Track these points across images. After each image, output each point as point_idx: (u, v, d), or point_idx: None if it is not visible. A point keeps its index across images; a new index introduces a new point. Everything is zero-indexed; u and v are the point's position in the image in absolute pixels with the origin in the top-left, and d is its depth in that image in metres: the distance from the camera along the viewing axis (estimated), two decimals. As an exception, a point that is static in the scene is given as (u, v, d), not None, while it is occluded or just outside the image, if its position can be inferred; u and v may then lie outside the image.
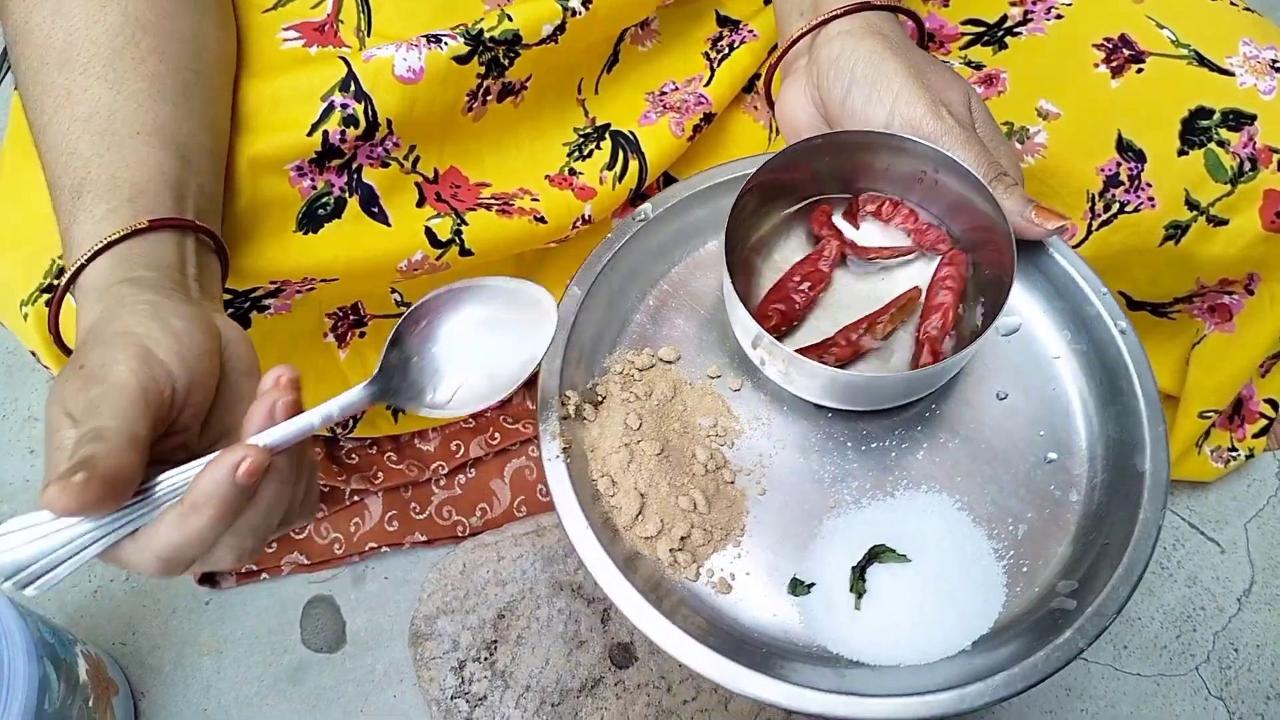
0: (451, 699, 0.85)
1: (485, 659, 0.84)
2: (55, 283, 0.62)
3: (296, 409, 0.46)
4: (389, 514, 0.95)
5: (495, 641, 0.85)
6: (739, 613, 0.52)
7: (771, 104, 0.70)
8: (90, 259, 0.51)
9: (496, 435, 0.97)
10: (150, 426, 0.44)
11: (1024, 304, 0.58)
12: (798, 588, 0.53)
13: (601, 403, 0.55)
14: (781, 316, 0.57)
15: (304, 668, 0.93)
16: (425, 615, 0.86)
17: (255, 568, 0.95)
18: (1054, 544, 0.53)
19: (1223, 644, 0.96)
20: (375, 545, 0.95)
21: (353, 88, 0.65)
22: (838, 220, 0.60)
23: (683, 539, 0.52)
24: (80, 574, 0.97)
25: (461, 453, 0.96)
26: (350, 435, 0.90)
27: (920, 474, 0.55)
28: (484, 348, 0.49)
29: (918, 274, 0.60)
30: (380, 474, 0.94)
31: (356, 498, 0.95)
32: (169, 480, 0.44)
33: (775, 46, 0.77)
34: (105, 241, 0.51)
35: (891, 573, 0.52)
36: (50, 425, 0.45)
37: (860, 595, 0.52)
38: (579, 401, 0.55)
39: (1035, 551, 0.53)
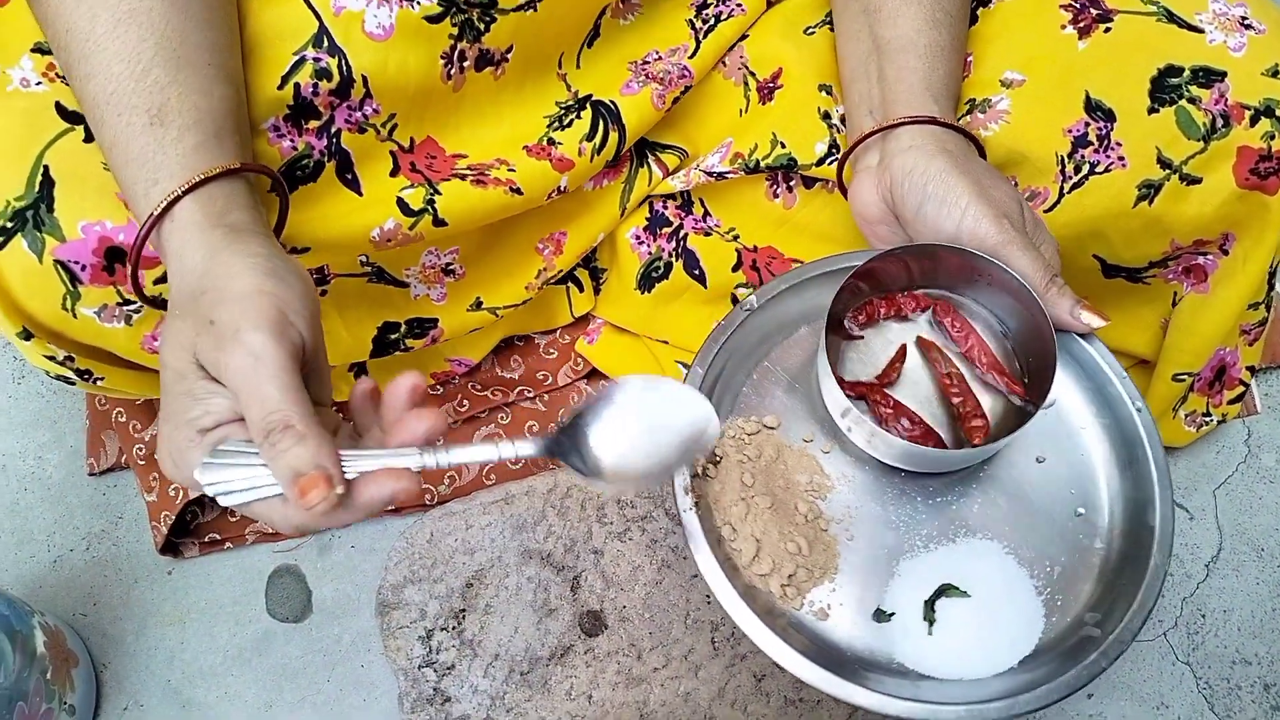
0: (419, 668, 0.84)
1: (453, 628, 0.83)
2: (7, 225, 0.60)
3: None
4: (355, 482, 0.94)
5: (464, 610, 0.84)
6: (835, 635, 0.64)
7: (844, 189, 0.76)
8: (186, 191, 0.52)
9: (465, 402, 0.96)
10: (305, 391, 0.47)
11: (1059, 383, 0.66)
12: (881, 616, 0.65)
13: (719, 462, 0.66)
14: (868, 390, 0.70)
15: (269, 638, 0.92)
16: (392, 584, 0.85)
17: (219, 536, 0.93)
18: (1082, 583, 0.65)
19: (1190, 610, 0.96)
20: (341, 514, 0.93)
21: (325, 42, 0.63)
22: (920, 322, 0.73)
23: (790, 576, 0.64)
24: (39, 544, 0.95)
25: (429, 420, 0.94)
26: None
27: (976, 524, 0.67)
28: (650, 437, 0.55)
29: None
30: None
31: (322, 466, 0.93)
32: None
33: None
34: (203, 175, 0.53)
35: (955, 605, 0.64)
36: (177, 371, 0.49)
37: (931, 623, 0.64)
38: (704, 462, 0.66)
39: (1068, 589, 0.65)
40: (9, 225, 0.60)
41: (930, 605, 0.65)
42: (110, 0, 0.54)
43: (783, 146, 0.80)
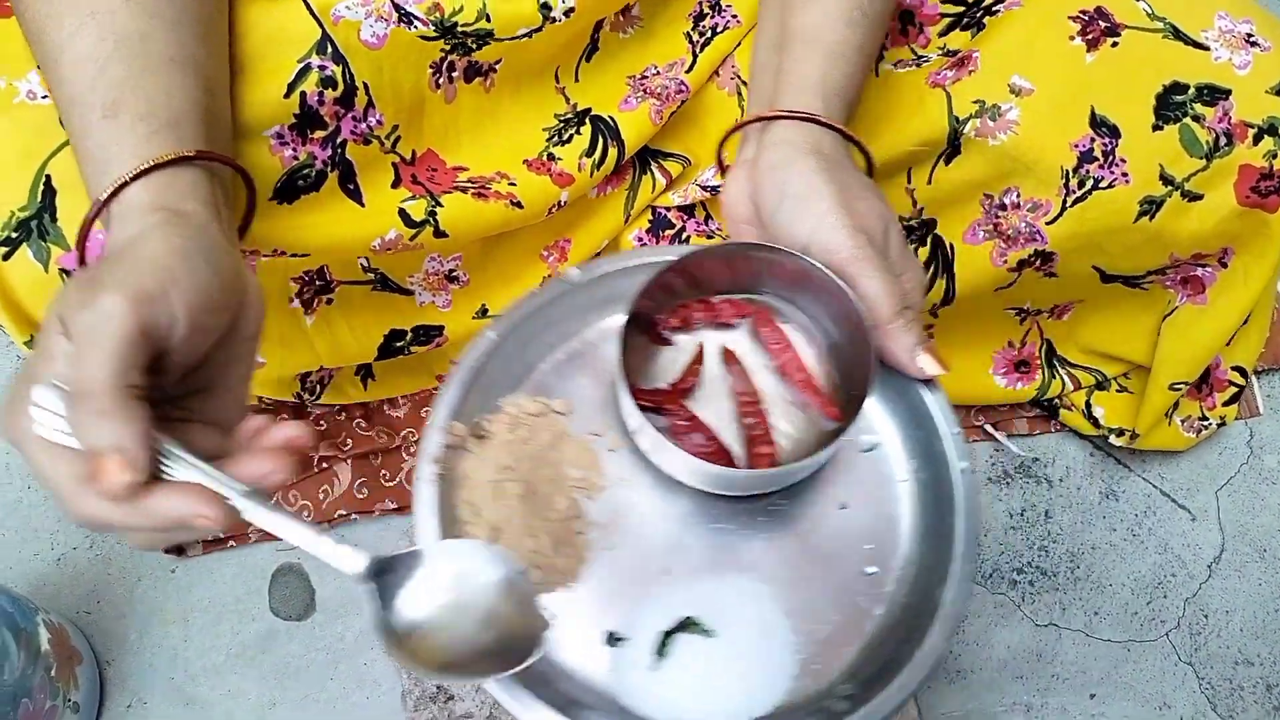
0: (422, 666, 0.84)
1: (456, 626, 0.84)
2: (12, 235, 0.61)
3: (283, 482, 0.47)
4: (358, 481, 0.94)
5: (466, 609, 0.84)
6: (553, 652, 0.55)
7: (723, 169, 0.71)
8: (135, 177, 0.50)
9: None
10: (142, 372, 0.43)
11: (885, 425, 0.61)
12: (612, 639, 0.56)
13: (484, 438, 0.58)
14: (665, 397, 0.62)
15: (272, 636, 0.92)
16: (395, 582, 0.85)
17: (222, 535, 0.94)
18: (847, 649, 0.57)
19: (1193, 610, 0.97)
20: (345, 513, 0.93)
21: (329, 49, 0.63)
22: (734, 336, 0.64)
23: None
24: (43, 541, 0.95)
25: (432, 419, 0.95)
26: (318, 402, 0.89)
27: (751, 561, 0.59)
28: (473, 614, 0.49)
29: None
30: (349, 440, 0.93)
31: (325, 465, 0.94)
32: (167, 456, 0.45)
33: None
34: (153, 162, 0.50)
35: (696, 643, 0.56)
36: (44, 328, 0.45)
37: (660, 656, 0.56)
38: (465, 434, 0.58)
39: (829, 653, 0.57)
40: (14, 235, 0.61)
41: (666, 636, 0.56)
42: (75, 5, 0.53)
43: None
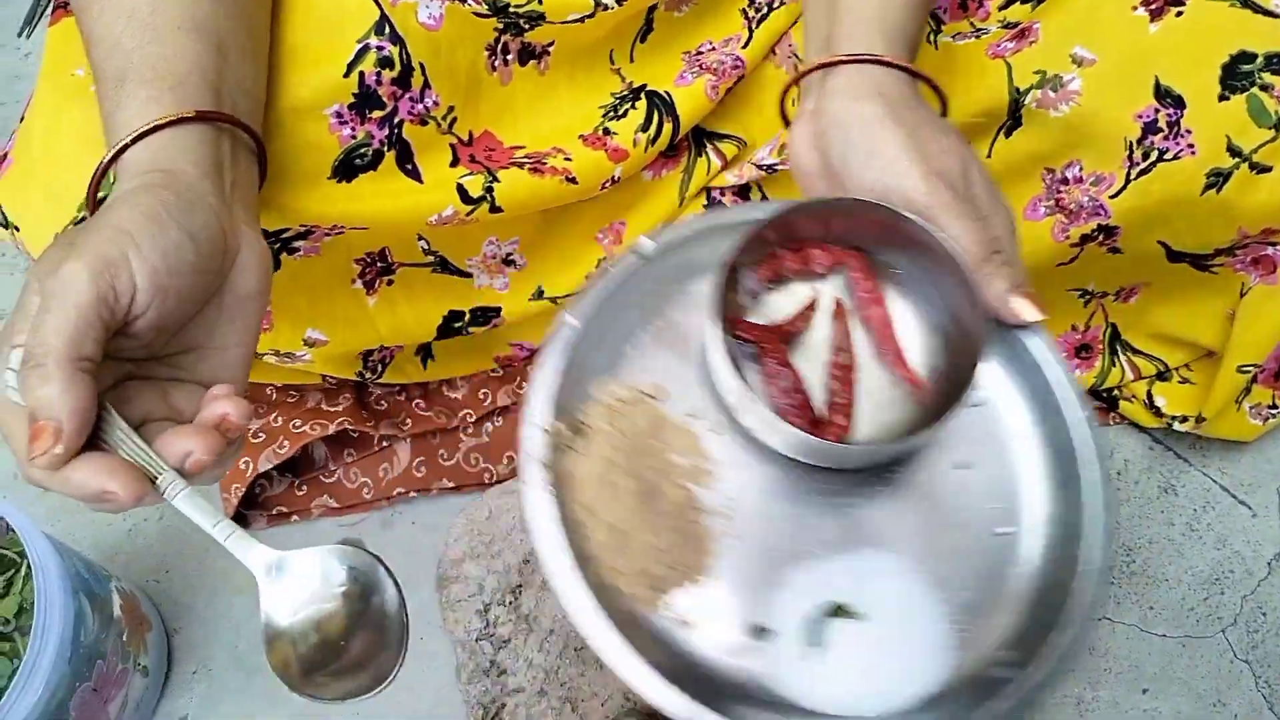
0: (476, 640, 0.86)
1: (510, 603, 0.85)
2: (85, 218, 0.63)
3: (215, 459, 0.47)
4: (417, 460, 0.96)
5: (520, 586, 0.86)
6: (700, 651, 0.52)
7: (787, 122, 0.69)
8: (134, 140, 0.51)
9: (524, 385, 0.97)
10: (98, 343, 0.44)
11: (993, 378, 0.58)
12: (758, 633, 0.53)
13: (583, 432, 0.56)
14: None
15: (332, 609, 0.94)
16: (451, 559, 0.87)
17: (286, 510, 0.96)
18: (997, 614, 0.54)
19: (1250, 608, 0.95)
20: (403, 491, 0.96)
21: (387, 30, 0.65)
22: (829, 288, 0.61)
23: (647, 573, 0.53)
24: (115, 514, 0.98)
25: (489, 401, 0.97)
26: (379, 381, 0.91)
27: (879, 533, 0.56)
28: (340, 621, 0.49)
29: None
30: (409, 420, 0.95)
31: (385, 443, 0.96)
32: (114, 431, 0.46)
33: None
34: (151, 125, 0.51)
35: (847, 627, 0.54)
36: (26, 284, 0.46)
37: (817, 647, 0.53)
38: (565, 430, 0.55)
39: (981, 621, 0.54)
40: (86, 218, 0.63)
41: (818, 627, 0.54)
42: None
43: None
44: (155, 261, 0.46)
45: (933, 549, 0.55)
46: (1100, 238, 0.79)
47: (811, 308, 0.59)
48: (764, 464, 0.56)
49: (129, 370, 0.49)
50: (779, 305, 0.59)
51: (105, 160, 0.52)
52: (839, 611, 0.54)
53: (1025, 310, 0.55)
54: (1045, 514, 0.56)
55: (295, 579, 0.48)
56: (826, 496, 0.56)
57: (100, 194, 0.54)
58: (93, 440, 0.45)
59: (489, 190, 0.73)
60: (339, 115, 0.65)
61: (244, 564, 0.47)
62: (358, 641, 0.48)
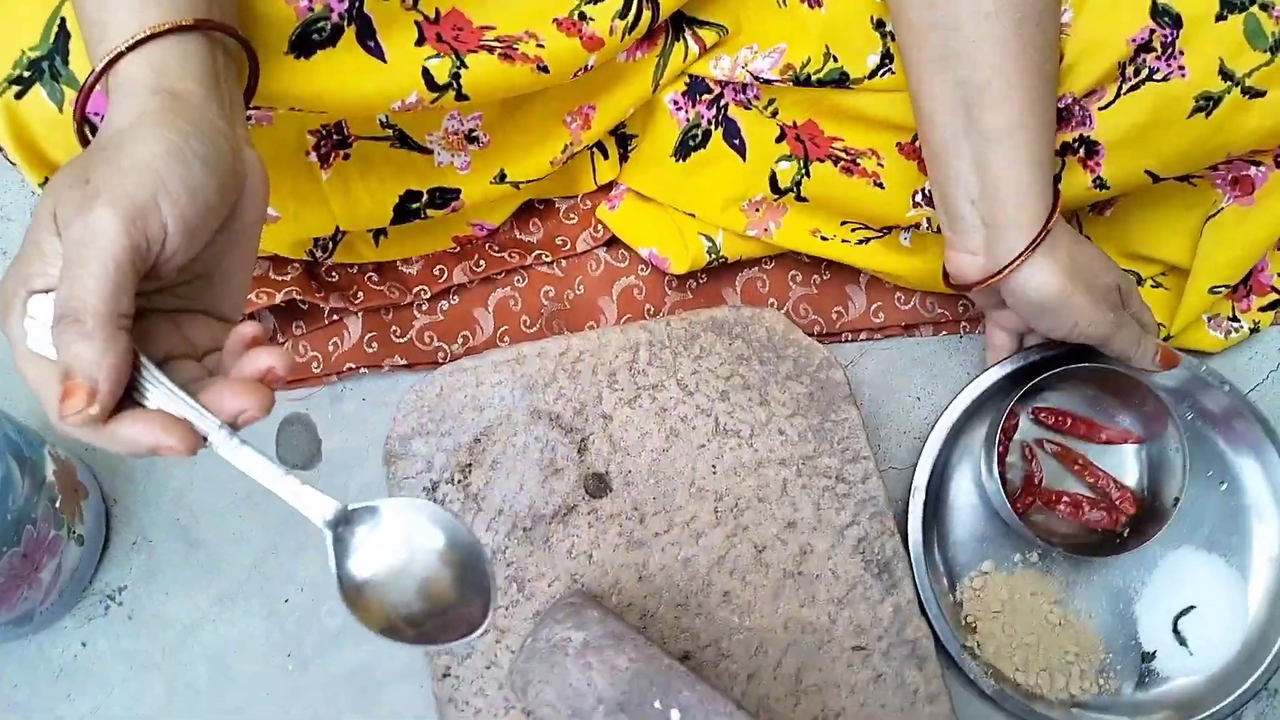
0: (423, 520, 0.84)
1: (458, 481, 0.83)
2: (24, 75, 0.59)
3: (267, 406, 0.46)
4: (368, 335, 0.93)
5: (469, 465, 0.84)
6: (1145, 693, 0.89)
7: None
8: (130, 48, 0.47)
9: (482, 263, 0.94)
10: (133, 293, 0.43)
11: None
12: (1144, 658, 0.87)
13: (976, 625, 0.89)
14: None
15: (277, 484, 0.92)
16: (400, 435, 0.84)
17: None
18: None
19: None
20: (353, 366, 0.93)
21: None
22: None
23: (1069, 678, 0.87)
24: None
25: (445, 277, 0.93)
26: (330, 259, 0.87)
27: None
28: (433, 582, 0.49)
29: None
30: (360, 294, 0.92)
31: (335, 317, 0.93)
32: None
33: None
34: (149, 32, 0.47)
35: (1196, 617, 0.88)
36: (37, 218, 0.44)
37: (1185, 644, 0.88)
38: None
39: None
40: (27, 75, 0.59)
41: (1176, 631, 0.87)
42: None
43: (835, 60, 0.77)
44: (184, 203, 0.44)
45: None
46: (1080, 152, 0.76)
47: (1032, 461, 0.93)
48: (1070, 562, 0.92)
49: (141, 305, 0.47)
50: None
51: (98, 69, 0.48)
52: (1183, 613, 0.88)
53: (1163, 364, 0.80)
54: None
55: (380, 534, 0.48)
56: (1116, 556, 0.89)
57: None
58: (127, 393, 0.44)
59: (455, 77, 0.69)
60: None
61: (313, 518, 0.47)
62: (447, 596, 0.48)
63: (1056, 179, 0.74)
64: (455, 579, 0.48)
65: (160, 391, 0.44)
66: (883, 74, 0.76)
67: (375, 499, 0.48)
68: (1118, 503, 0.89)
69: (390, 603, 0.47)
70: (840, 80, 0.77)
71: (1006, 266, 0.71)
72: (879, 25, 0.76)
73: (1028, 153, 0.68)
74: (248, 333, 0.47)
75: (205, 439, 0.45)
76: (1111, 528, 0.88)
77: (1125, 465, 0.91)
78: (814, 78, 0.77)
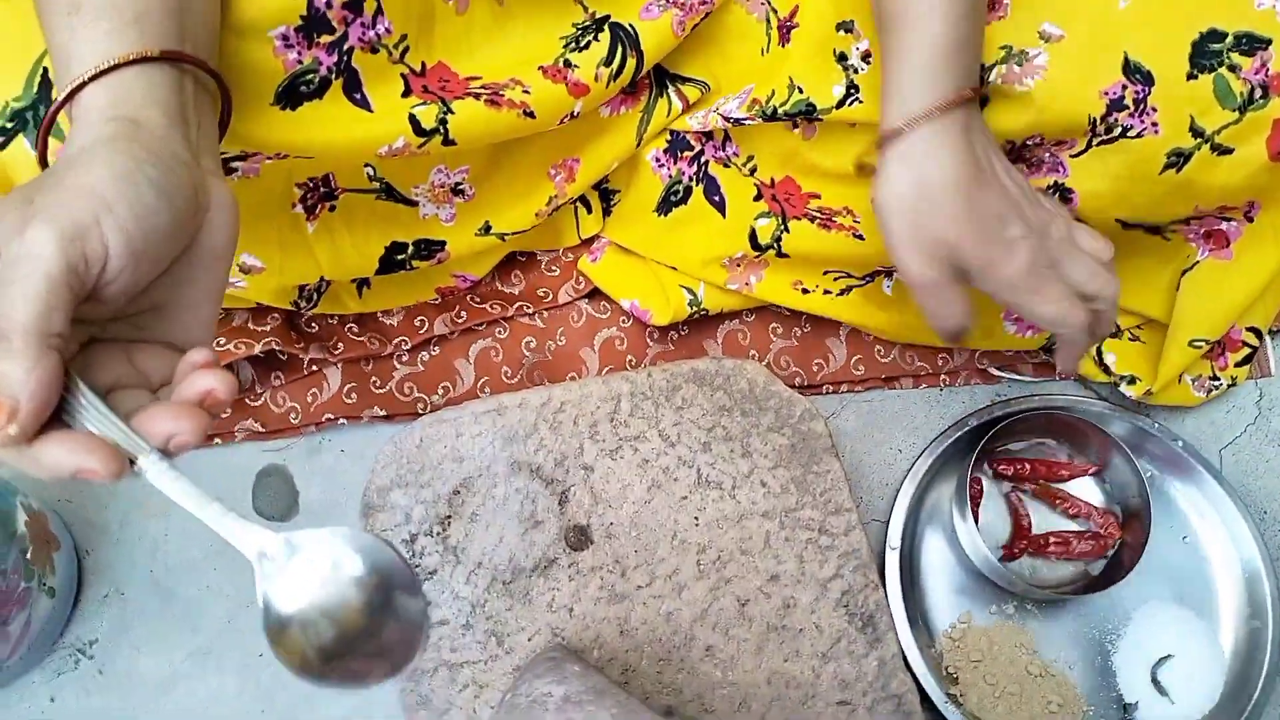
0: (401, 573, 0.83)
1: (438, 533, 0.82)
2: (7, 125, 0.59)
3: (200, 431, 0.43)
4: (348, 386, 0.92)
5: (449, 517, 0.83)
6: None
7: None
8: (93, 78, 0.47)
9: (463, 314, 0.94)
10: (67, 315, 0.41)
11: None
12: (1126, 710, 0.86)
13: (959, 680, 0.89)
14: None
15: (254, 536, 0.91)
16: (378, 487, 0.84)
17: (208, 432, 0.92)
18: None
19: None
20: (332, 417, 0.92)
21: None
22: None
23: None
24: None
25: (426, 328, 0.93)
26: (313, 310, 0.87)
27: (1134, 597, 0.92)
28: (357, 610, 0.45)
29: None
30: (340, 344, 0.91)
31: (315, 367, 0.92)
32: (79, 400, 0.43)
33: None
34: (112, 63, 0.47)
35: (1173, 667, 0.88)
36: None
37: (1165, 694, 0.87)
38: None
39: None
40: (10, 125, 0.59)
41: (1155, 680, 0.87)
42: None
43: (800, 92, 0.77)
44: (130, 227, 0.43)
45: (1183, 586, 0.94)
46: (1055, 198, 0.77)
47: (1018, 509, 0.94)
48: (1049, 610, 0.93)
49: (92, 333, 0.46)
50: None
51: (60, 99, 0.48)
52: (1161, 661, 0.88)
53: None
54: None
55: (301, 564, 0.44)
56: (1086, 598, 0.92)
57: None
58: (57, 415, 0.41)
59: (443, 122, 0.69)
60: (285, 38, 0.61)
61: (239, 549, 0.44)
62: (373, 628, 0.45)
63: (980, 93, 0.68)
64: (387, 609, 0.45)
65: (92, 415, 0.42)
66: (850, 103, 0.76)
67: (306, 528, 0.45)
68: (1103, 528, 0.91)
69: (314, 636, 0.44)
70: (808, 111, 0.77)
71: (891, 134, 0.65)
72: (841, 59, 0.77)
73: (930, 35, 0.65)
74: (197, 360, 0.45)
75: (134, 464, 0.42)
76: (1101, 554, 0.91)
77: (1092, 498, 0.94)
78: (780, 110, 0.78)
